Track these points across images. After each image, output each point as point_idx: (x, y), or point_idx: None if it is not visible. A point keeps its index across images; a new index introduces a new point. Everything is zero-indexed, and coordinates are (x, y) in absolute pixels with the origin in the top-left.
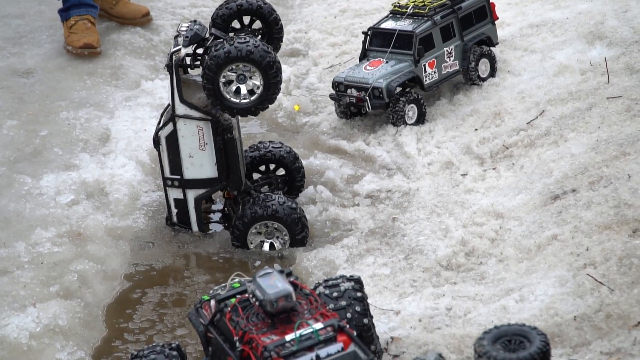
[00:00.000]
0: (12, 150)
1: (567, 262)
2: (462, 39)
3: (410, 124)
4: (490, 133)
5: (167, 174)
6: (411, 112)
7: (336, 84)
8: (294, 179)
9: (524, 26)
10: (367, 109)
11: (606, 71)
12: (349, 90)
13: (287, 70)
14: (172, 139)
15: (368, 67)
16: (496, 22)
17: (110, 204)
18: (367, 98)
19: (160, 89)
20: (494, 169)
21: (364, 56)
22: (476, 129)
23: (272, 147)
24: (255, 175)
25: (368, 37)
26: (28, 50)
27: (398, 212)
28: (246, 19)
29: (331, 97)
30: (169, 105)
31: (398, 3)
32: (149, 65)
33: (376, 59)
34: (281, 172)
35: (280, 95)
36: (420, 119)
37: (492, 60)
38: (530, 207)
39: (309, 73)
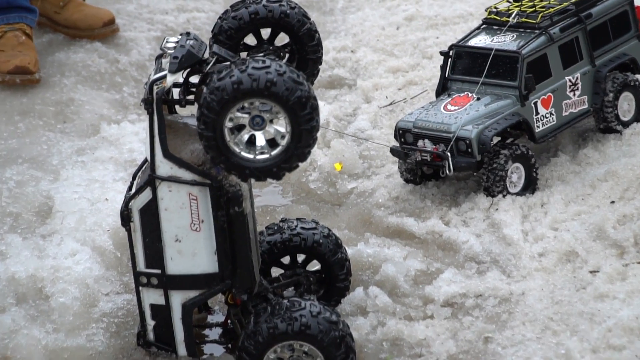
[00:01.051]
0: None
1: None
2: (592, 63)
3: (513, 193)
4: (635, 208)
5: (142, 267)
6: (515, 175)
7: (401, 132)
8: (334, 276)
9: None
10: (448, 171)
11: None
12: (420, 142)
13: (324, 109)
14: (150, 213)
15: (449, 107)
16: None
17: (53, 313)
18: (449, 154)
19: (131, 136)
20: (639, 262)
21: (443, 89)
22: (613, 202)
23: (302, 227)
24: (276, 271)
25: (450, 60)
26: None
27: (493, 329)
28: (266, 32)
29: (393, 151)
30: (145, 161)
31: (495, 8)
32: (113, 100)
33: (462, 94)
34: (315, 266)
35: (314, 149)
36: (529, 186)
37: (639, 94)
38: None
39: (358, 113)
